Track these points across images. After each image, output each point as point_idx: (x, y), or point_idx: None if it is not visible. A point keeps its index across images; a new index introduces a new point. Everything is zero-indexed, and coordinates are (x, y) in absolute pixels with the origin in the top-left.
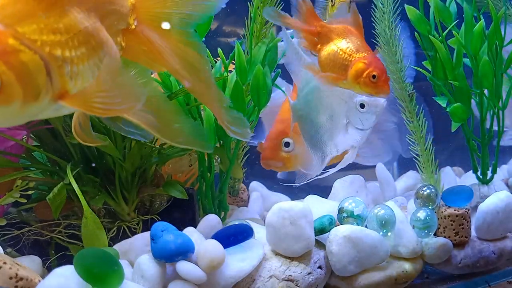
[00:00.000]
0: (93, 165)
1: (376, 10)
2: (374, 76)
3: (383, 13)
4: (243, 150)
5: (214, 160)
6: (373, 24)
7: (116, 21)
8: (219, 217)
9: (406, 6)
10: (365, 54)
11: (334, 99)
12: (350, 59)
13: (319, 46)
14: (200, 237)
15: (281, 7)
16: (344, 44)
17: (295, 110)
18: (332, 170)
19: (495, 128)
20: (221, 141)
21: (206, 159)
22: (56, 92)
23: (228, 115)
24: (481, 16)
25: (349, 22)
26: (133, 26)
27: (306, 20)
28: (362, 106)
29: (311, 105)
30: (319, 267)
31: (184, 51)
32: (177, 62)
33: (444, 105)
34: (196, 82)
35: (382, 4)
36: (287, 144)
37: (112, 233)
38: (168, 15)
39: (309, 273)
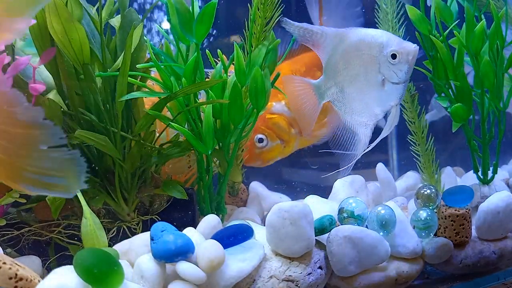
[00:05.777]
0: (93, 165)
1: (379, 11)
2: None
3: (387, 13)
4: (243, 151)
5: (213, 163)
6: (377, 26)
7: None
8: None
9: (406, 5)
10: None
11: (364, 58)
12: None
13: None
14: (200, 238)
15: (281, 9)
16: None
17: (321, 89)
18: (377, 139)
19: None
20: (220, 144)
21: (204, 161)
22: None
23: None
24: (482, 16)
25: None
26: None
27: None
28: (393, 56)
29: (343, 73)
30: (320, 267)
31: None
32: None
33: (445, 105)
34: None
35: (385, 4)
36: (260, 140)
37: (112, 233)
38: None
39: (309, 274)
